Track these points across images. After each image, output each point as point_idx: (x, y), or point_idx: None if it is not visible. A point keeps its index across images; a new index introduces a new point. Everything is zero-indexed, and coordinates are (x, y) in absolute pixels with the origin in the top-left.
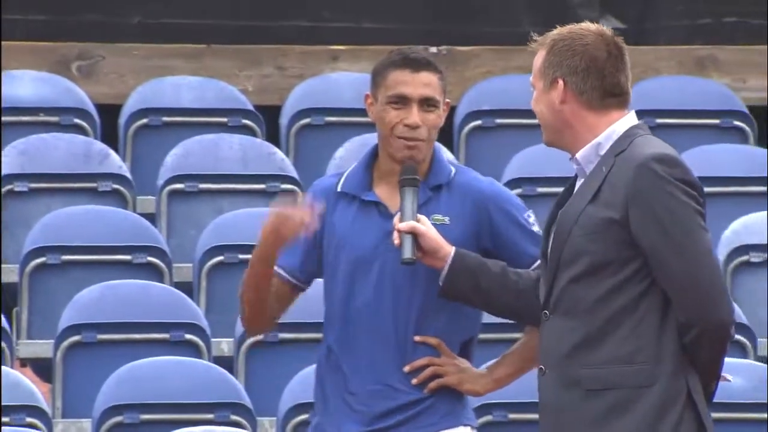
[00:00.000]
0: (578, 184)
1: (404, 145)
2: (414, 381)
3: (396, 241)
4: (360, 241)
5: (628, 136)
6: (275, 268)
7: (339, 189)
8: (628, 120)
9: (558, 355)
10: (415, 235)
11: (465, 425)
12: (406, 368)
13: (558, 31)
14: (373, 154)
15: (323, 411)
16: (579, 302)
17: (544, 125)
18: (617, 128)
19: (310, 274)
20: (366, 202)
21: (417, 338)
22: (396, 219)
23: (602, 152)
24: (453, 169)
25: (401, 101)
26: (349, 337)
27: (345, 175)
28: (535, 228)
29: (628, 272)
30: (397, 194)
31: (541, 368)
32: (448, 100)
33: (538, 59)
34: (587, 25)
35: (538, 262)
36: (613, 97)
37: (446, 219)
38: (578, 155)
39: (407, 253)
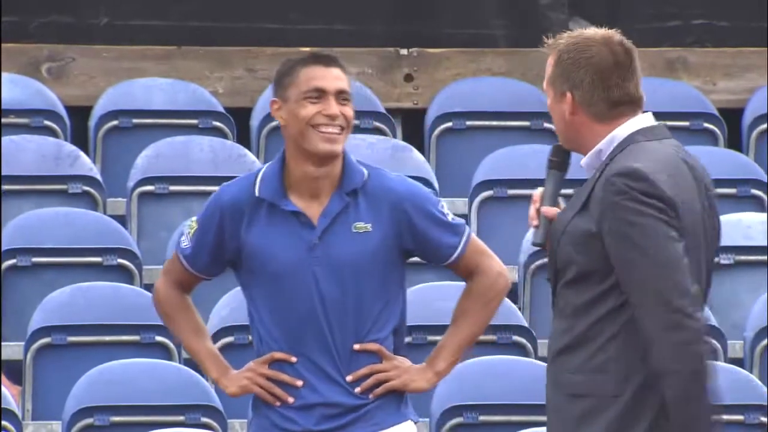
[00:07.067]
0: None
1: (322, 137)
2: (357, 390)
3: (534, 223)
4: (285, 254)
5: (626, 142)
6: (185, 264)
7: (257, 194)
8: (631, 124)
9: (551, 355)
10: (551, 220)
11: (410, 420)
12: (349, 378)
13: (566, 41)
14: (282, 162)
15: (267, 411)
16: (568, 306)
17: (558, 131)
18: (619, 133)
19: (213, 273)
20: (285, 211)
21: (357, 347)
22: (537, 196)
23: (604, 158)
24: (365, 171)
25: (319, 94)
26: (287, 350)
27: (259, 179)
28: (450, 217)
29: (609, 283)
30: (312, 202)
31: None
32: None
33: (548, 67)
34: (594, 33)
35: (458, 250)
36: (622, 105)
37: (369, 226)
38: (582, 162)
39: (542, 238)
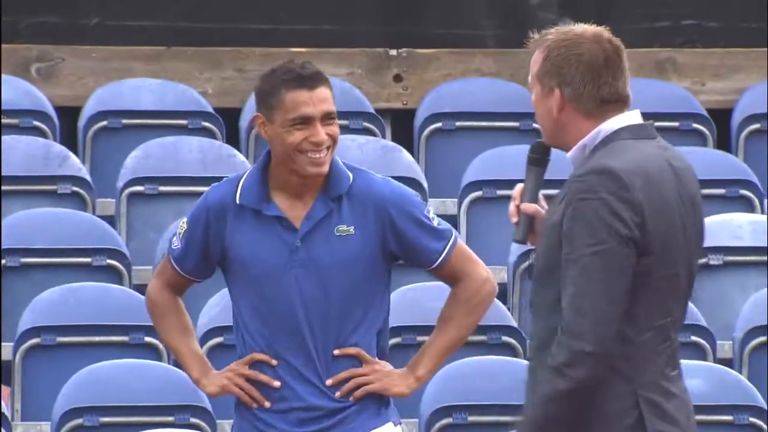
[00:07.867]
0: None
1: (310, 161)
2: (337, 394)
3: (514, 220)
4: (267, 257)
5: (610, 139)
6: (174, 265)
7: (238, 202)
8: (618, 120)
9: (530, 353)
10: (533, 217)
11: (391, 422)
12: (329, 382)
13: (554, 37)
14: (266, 164)
15: (248, 414)
16: (543, 302)
17: (542, 127)
18: (605, 127)
19: (203, 275)
20: (268, 216)
21: (337, 352)
22: (517, 193)
23: (587, 153)
24: (351, 175)
25: (305, 120)
26: (268, 353)
27: (240, 185)
28: (435, 222)
29: None
30: (296, 203)
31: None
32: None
33: (535, 63)
34: (583, 31)
35: (442, 255)
36: (611, 103)
37: (351, 229)
38: (569, 155)
39: (522, 235)
